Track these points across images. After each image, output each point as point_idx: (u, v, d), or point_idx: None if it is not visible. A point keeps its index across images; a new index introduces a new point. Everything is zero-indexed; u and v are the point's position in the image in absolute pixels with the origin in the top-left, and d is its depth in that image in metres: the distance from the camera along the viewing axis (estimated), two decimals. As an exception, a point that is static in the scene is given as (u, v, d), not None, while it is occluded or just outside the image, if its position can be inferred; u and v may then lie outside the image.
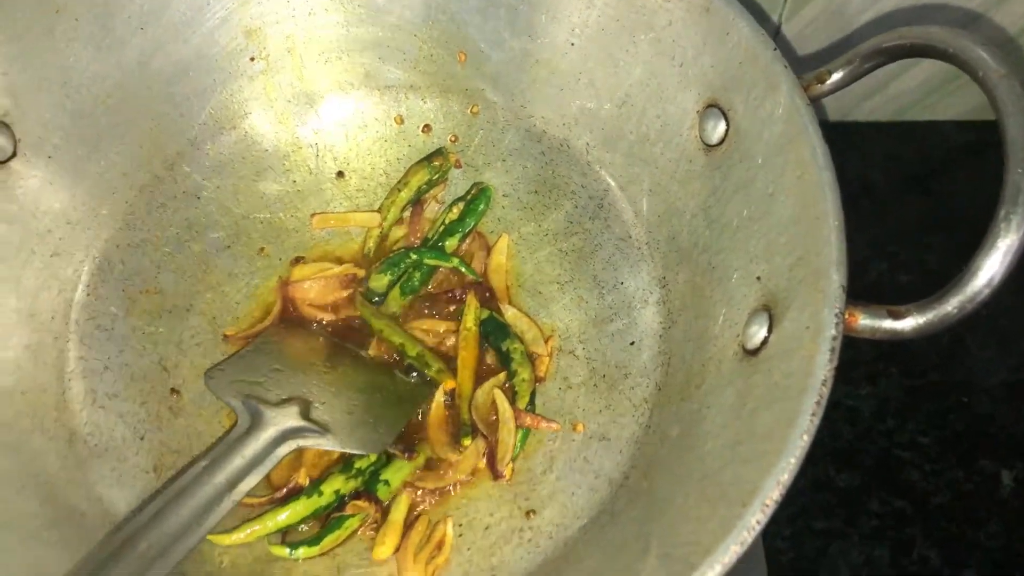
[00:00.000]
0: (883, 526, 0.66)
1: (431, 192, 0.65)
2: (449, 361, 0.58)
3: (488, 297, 0.61)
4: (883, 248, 0.75)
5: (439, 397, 0.56)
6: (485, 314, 0.60)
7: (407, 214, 0.65)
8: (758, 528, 0.37)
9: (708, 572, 0.36)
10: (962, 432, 0.69)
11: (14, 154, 0.54)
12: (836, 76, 0.50)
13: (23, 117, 0.54)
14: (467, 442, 0.55)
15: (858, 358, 0.72)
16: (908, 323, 0.43)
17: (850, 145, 0.83)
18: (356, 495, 0.52)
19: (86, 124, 0.57)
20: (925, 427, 0.70)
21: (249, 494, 0.49)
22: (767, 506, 0.37)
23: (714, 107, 0.54)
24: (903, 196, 0.80)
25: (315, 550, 0.51)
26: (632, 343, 0.58)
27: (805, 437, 0.39)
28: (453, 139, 0.67)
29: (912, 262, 0.74)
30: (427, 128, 0.67)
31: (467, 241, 0.63)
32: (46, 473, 0.50)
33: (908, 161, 0.80)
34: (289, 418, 0.52)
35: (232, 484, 0.47)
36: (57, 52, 0.55)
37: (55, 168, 0.56)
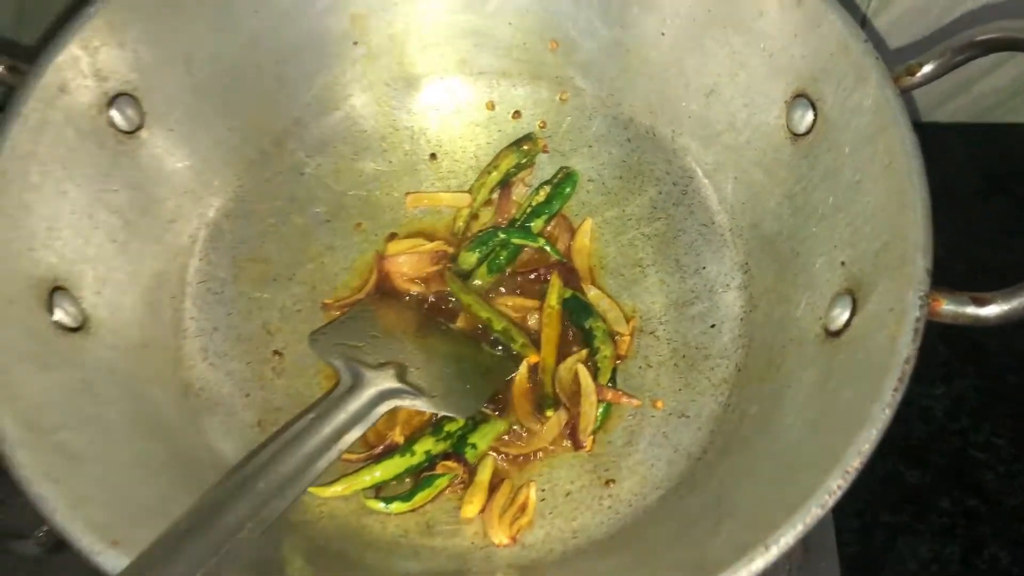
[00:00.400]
0: (953, 524, 0.67)
1: (519, 175, 0.68)
2: (533, 336, 0.61)
3: (571, 277, 0.64)
4: (963, 251, 0.76)
5: (523, 369, 0.59)
6: (568, 293, 0.62)
7: (495, 196, 0.68)
8: (839, 493, 0.39)
9: (790, 531, 0.38)
10: (1039, 435, 0.70)
11: (141, 125, 0.58)
12: (927, 68, 0.52)
13: (150, 92, 0.58)
14: (550, 413, 0.58)
15: (933, 358, 0.73)
16: (992, 310, 0.44)
17: (931, 146, 0.84)
18: (445, 456, 0.56)
19: (204, 100, 0.62)
20: (1001, 429, 0.70)
21: (348, 450, 0.53)
22: (848, 473, 0.39)
23: (802, 97, 0.56)
24: (984, 198, 0.80)
25: (407, 506, 0.55)
26: (712, 325, 0.60)
27: (887, 411, 0.41)
28: (542, 125, 0.70)
29: (992, 264, 0.75)
30: (517, 114, 0.70)
31: (552, 223, 0.66)
32: (166, 421, 0.54)
33: (989, 163, 0.81)
34: (387, 380, 0.55)
35: (337, 436, 0.51)
36: (181, 32, 0.59)
37: (175, 140, 0.61)
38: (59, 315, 0.51)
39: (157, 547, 0.40)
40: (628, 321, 0.62)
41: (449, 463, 0.55)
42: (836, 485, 0.39)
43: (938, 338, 0.74)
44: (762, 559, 0.38)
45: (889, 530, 0.67)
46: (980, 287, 0.47)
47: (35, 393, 0.46)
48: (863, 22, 0.73)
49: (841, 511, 0.64)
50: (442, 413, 0.57)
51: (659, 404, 0.58)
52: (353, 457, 0.56)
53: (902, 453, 0.69)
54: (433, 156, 0.70)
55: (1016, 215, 0.78)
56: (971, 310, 0.45)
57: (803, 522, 0.39)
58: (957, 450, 0.69)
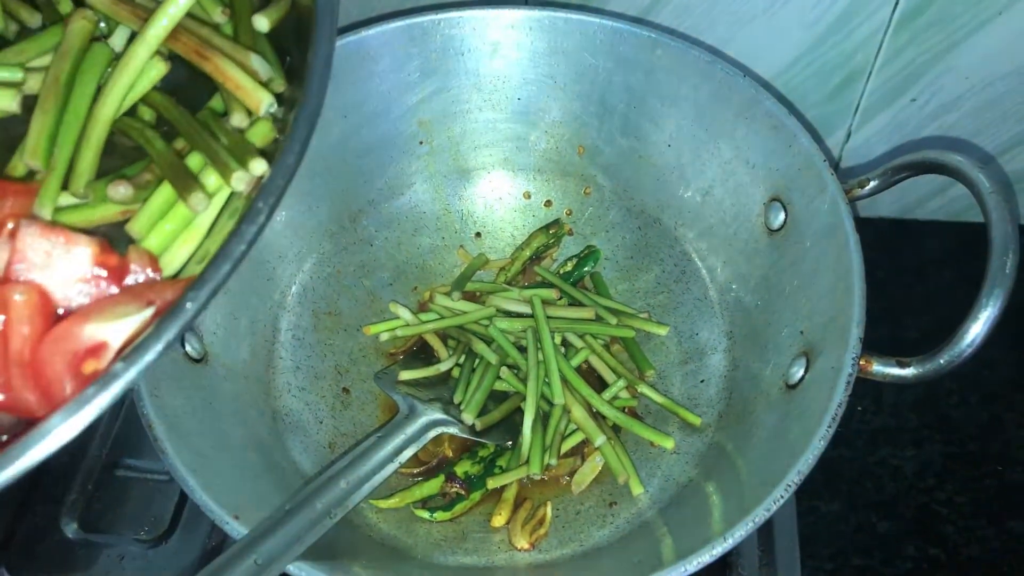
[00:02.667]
0: (917, 569, 0.75)
1: (547, 252, 0.82)
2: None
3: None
4: (935, 332, 0.87)
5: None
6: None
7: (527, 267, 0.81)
8: (782, 500, 0.51)
9: (744, 528, 0.51)
10: (995, 496, 0.78)
11: (252, 204, 0.73)
12: (873, 183, 0.65)
13: (260, 177, 0.74)
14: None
15: (905, 425, 0.82)
16: (910, 371, 0.57)
17: (910, 240, 0.95)
18: (448, 477, 0.68)
19: (300, 185, 0.74)
20: (961, 489, 0.78)
21: (404, 466, 0.65)
22: (789, 487, 0.52)
23: (777, 200, 0.69)
24: (957, 288, 0.91)
25: (447, 515, 0.67)
26: (702, 381, 0.73)
27: (822, 442, 0.53)
28: (568, 212, 0.84)
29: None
30: (548, 203, 0.84)
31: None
32: (261, 437, 0.67)
33: (961, 257, 0.91)
34: (435, 411, 0.69)
35: (396, 452, 0.63)
36: None
37: (276, 215, 0.75)
38: (188, 348, 0.64)
39: (268, 521, 0.53)
40: (643, 376, 0.74)
41: (452, 485, 0.67)
42: (780, 495, 0.52)
43: (910, 408, 0.83)
44: (721, 547, 0.51)
45: (860, 573, 0.75)
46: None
47: (175, 405, 0.59)
48: (847, 138, 0.87)
49: (817, 554, 0.75)
50: (476, 440, 0.69)
51: (654, 443, 0.70)
52: (407, 471, 0.69)
53: (874, 506, 0.78)
54: (478, 234, 0.84)
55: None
56: (895, 371, 0.57)
57: (754, 521, 0.51)
58: (923, 505, 0.78)
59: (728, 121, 0.72)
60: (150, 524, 0.72)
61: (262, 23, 0.48)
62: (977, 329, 0.54)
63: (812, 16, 0.76)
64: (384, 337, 0.77)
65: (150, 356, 0.35)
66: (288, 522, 0.53)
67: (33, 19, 0.53)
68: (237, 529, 0.53)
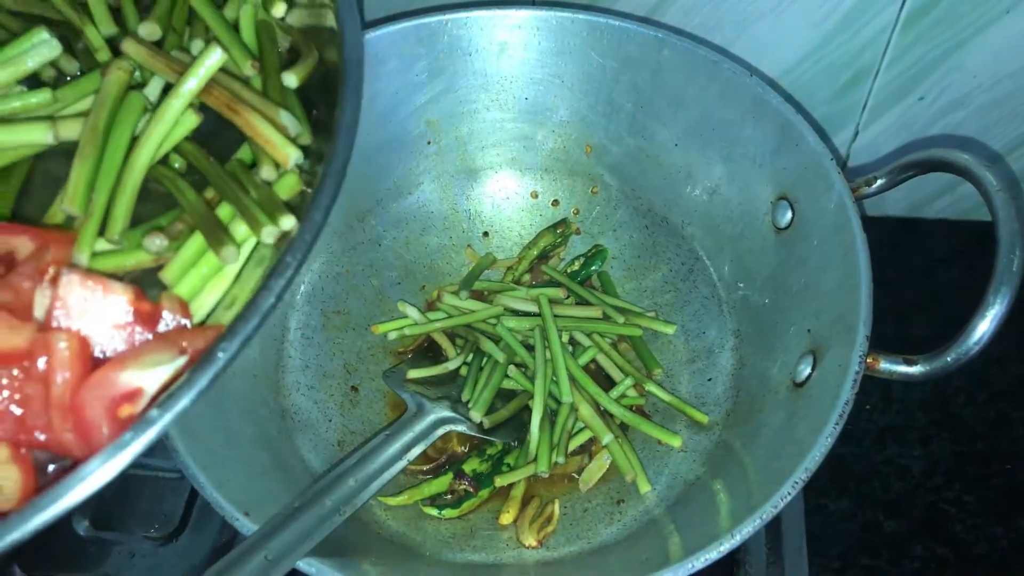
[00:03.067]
0: (925, 569, 0.75)
1: (555, 251, 0.82)
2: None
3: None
4: (943, 331, 0.86)
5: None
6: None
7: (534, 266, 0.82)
8: (789, 497, 0.52)
9: (751, 525, 0.51)
10: (1003, 494, 0.78)
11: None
12: (880, 182, 0.65)
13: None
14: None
15: (913, 423, 0.82)
16: (917, 368, 0.57)
17: (918, 238, 0.95)
18: (457, 474, 0.68)
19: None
20: (970, 487, 0.79)
21: (413, 462, 0.66)
22: (796, 484, 0.52)
23: (784, 199, 0.70)
24: (965, 286, 0.91)
25: (456, 512, 0.67)
26: (710, 379, 0.73)
27: (829, 439, 0.54)
28: (575, 211, 0.84)
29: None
30: (556, 202, 0.84)
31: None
32: (270, 436, 0.68)
33: (969, 255, 0.91)
34: (443, 409, 0.69)
35: (405, 449, 0.64)
36: None
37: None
38: (199, 346, 0.65)
39: (277, 518, 0.54)
40: (651, 374, 0.74)
41: (460, 482, 0.68)
42: (787, 492, 0.52)
43: (918, 407, 0.83)
44: (728, 545, 0.51)
45: (867, 572, 0.75)
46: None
47: (185, 403, 0.60)
48: (855, 136, 0.87)
49: (824, 553, 0.75)
50: (484, 438, 0.70)
51: (662, 442, 0.71)
52: (416, 468, 0.69)
53: (882, 505, 0.78)
54: (486, 234, 0.84)
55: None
56: (902, 368, 0.57)
57: (761, 518, 0.51)
58: (931, 504, 0.78)
59: (735, 120, 0.72)
60: (161, 522, 0.73)
61: (291, 80, 0.50)
62: (984, 327, 0.54)
63: (820, 14, 0.77)
64: (392, 336, 0.77)
65: (183, 403, 0.37)
66: (298, 519, 0.54)
67: (71, 66, 0.55)
68: (247, 526, 0.53)
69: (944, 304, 0.86)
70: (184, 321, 0.45)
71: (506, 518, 0.67)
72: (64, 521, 0.71)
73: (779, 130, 0.69)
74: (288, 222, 0.45)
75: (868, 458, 0.81)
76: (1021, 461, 0.80)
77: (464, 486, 0.67)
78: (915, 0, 0.74)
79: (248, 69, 0.52)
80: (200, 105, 0.51)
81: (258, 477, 0.62)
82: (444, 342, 0.76)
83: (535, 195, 0.84)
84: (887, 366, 0.58)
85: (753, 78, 0.70)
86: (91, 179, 0.47)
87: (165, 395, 0.38)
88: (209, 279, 0.46)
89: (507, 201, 0.84)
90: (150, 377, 0.41)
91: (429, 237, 0.83)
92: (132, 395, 0.41)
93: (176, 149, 0.51)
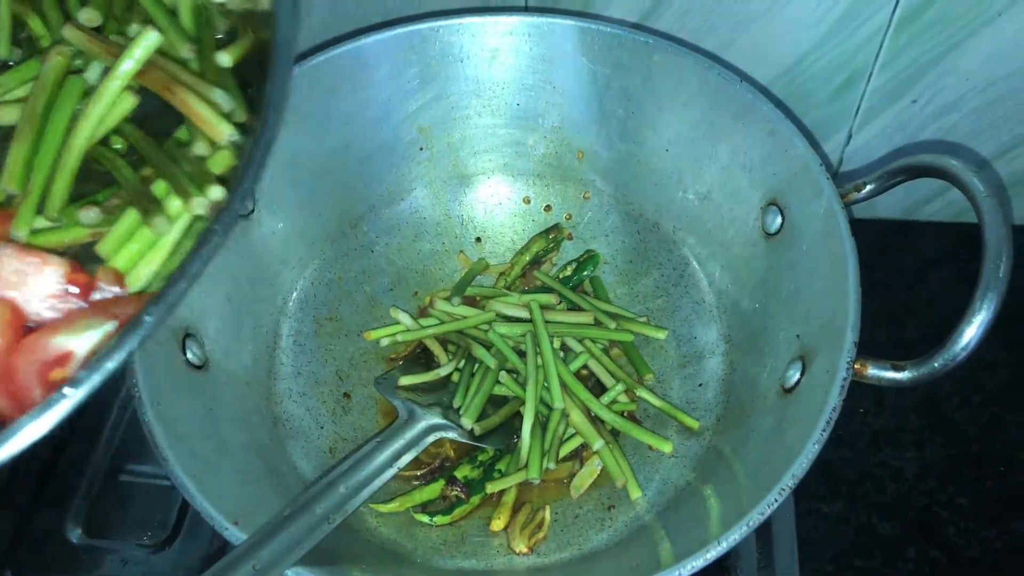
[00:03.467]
0: (918, 571, 0.75)
1: (547, 256, 0.83)
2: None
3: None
4: (931, 328, 0.86)
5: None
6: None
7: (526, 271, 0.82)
8: (776, 504, 0.52)
9: (737, 532, 0.51)
10: (997, 497, 0.78)
11: (253, 210, 0.74)
12: (869, 187, 0.65)
13: (260, 186, 0.74)
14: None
15: (906, 426, 0.82)
16: (904, 374, 0.57)
17: (910, 241, 0.96)
18: (449, 481, 0.68)
19: (301, 192, 0.77)
20: (963, 490, 0.78)
21: (405, 468, 0.66)
22: (783, 490, 0.52)
23: (773, 205, 0.70)
24: (957, 288, 0.91)
25: (447, 519, 0.67)
26: (700, 384, 0.73)
27: (817, 445, 0.54)
28: (567, 217, 0.84)
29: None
30: (548, 208, 0.84)
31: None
32: (262, 443, 0.68)
33: (960, 255, 0.90)
34: (435, 416, 0.69)
35: (396, 456, 0.64)
36: (289, 138, 0.73)
37: (278, 222, 0.76)
38: (189, 355, 0.65)
39: (267, 527, 0.54)
40: (642, 380, 0.75)
41: (452, 488, 0.68)
42: (774, 499, 0.52)
43: (911, 410, 0.83)
44: (716, 551, 0.51)
45: (860, 574, 0.75)
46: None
47: (175, 411, 0.59)
48: (848, 139, 0.88)
49: (818, 556, 0.75)
50: (475, 444, 0.70)
51: (653, 447, 0.71)
52: (408, 473, 0.69)
53: (875, 507, 0.78)
54: (478, 239, 0.84)
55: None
56: (890, 374, 0.57)
57: (748, 525, 0.52)
58: (924, 507, 0.77)
59: (726, 126, 0.72)
60: (153, 529, 0.73)
61: (225, 59, 0.52)
62: (971, 332, 0.54)
63: (813, 18, 0.77)
64: (384, 342, 0.77)
65: (111, 364, 0.38)
66: (287, 527, 0.54)
67: (12, 54, 0.57)
68: (236, 535, 0.53)
69: (936, 306, 0.86)
70: (120, 292, 0.46)
71: (497, 524, 0.67)
72: (57, 528, 0.72)
73: (769, 136, 0.69)
74: (216, 192, 0.47)
75: (862, 461, 0.81)
76: (1014, 464, 0.80)
77: (456, 492, 0.68)
78: (908, 3, 0.74)
79: (185, 52, 0.53)
80: (140, 88, 0.52)
81: (249, 485, 0.62)
82: (436, 348, 0.76)
83: (527, 200, 0.84)
84: (875, 372, 0.58)
85: (743, 84, 0.70)
86: (29, 159, 0.49)
87: (94, 357, 0.39)
88: (144, 252, 0.48)
89: (499, 207, 0.84)
90: (80, 341, 0.42)
91: (421, 243, 0.83)
92: (63, 359, 0.42)
93: (116, 130, 0.52)
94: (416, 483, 0.69)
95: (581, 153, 0.81)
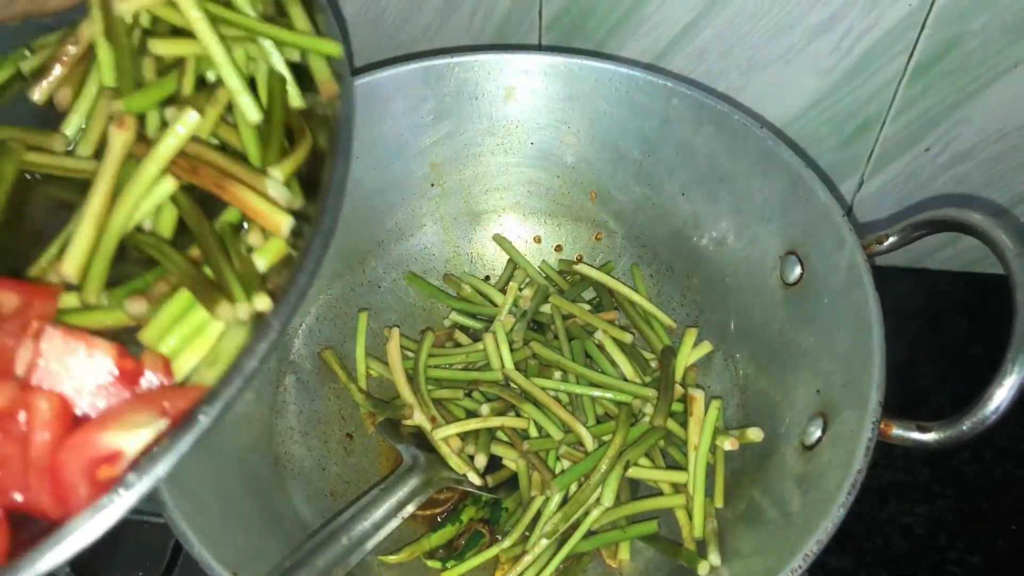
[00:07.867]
0: None
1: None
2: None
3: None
4: (944, 379, 0.83)
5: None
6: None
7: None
8: (800, 571, 0.50)
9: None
10: (1009, 556, 0.77)
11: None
12: (892, 239, 0.63)
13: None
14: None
15: (917, 481, 0.81)
16: (931, 436, 0.55)
17: (921, 288, 0.94)
18: (483, 521, 0.67)
19: None
20: (975, 548, 0.77)
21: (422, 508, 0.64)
22: (808, 556, 0.50)
23: (793, 254, 0.68)
24: (966, 336, 0.89)
25: (463, 567, 0.65)
26: (714, 435, 0.72)
27: (842, 509, 0.52)
28: (578, 257, 0.83)
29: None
30: (559, 247, 0.83)
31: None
32: (262, 484, 0.66)
33: (973, 305, 0.90)
34: (438, 464, 0.67)
35: (400, 507, 0.62)
36: None
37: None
38: (192, 393, 0.63)
39: (268, 579, 0.52)
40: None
41: (481, 527, 0.66)
42: (798, 565, 0.50)
43: (921, 463, 0.82)
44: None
45: None
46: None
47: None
48: (860, 186, 0.87)
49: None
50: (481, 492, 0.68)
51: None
52: (426, 513, 0.67)
53: (884, 564, 0.76)
54: (487, 278, 0.83)
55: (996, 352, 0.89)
56: (915, 435, 0.56)
57: (776, 589, 0.50)
58: (935, 565, 0.76)
59: (744, 172, 0.71)
60: (145, 568, 0.71)
61: (277, 175, 0.49)
62: (1003, 395, 0.53)
63: (827, 63, 0.76)
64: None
65: (162, 468, 0.37)
66: (288, 582, 0.52)
67: None
68: (236, 588, 0.51)
69: (949, 358, 0.85)
70: (166, 381, 0.44)
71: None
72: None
73: (789, 184, 0.68)
74: (262, 303, 0.44)
75: (870, 515, 0.80)
76: (1027, 522, 0.79)
77: (483, 530, 0.66)
78: (924, 52, 0.74)
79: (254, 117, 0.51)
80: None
81: (248, 531, 0.60)
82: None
83: (538, 240, 0.83)
84: (900, 432, 0.56)
85: (763, 130, 0.69)
86: (93, 247, 0.46)
87: (145, 458, 0.38)
88: (191, 339, 0.45)
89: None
90: (130, 440, 0.40)
91: (430, 280, 0.81)
92: (112, 457, 0.40)
93: (172, 200, 0.50)
94: (439, 520, 0.67)
95: (594, 194, 0.80)
